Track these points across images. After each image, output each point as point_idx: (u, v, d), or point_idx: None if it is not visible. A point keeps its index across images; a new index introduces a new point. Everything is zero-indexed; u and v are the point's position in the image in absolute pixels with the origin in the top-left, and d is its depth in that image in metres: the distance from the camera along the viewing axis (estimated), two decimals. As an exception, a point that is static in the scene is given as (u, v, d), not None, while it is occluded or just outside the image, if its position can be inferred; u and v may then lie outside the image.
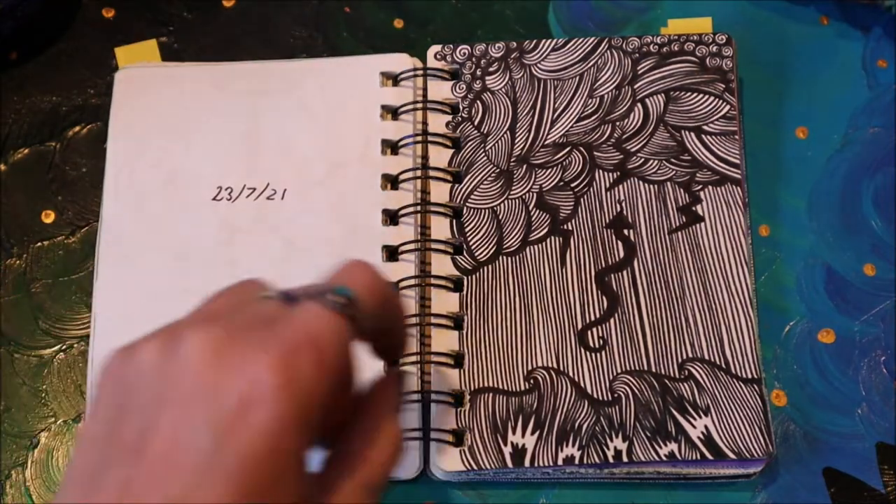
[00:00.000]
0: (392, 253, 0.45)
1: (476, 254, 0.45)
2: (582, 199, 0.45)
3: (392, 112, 0.48)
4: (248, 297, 0.32)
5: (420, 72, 0.48)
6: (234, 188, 0.47)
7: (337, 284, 0.31)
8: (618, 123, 0.46)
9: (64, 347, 0.46)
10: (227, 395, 0.27)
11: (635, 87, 0.47)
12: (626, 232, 0.45)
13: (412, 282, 0.44)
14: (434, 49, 0.48)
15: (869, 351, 0.45)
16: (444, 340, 0.44)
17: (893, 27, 0.50)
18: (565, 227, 0.45)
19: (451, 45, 0.48)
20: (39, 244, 0.48)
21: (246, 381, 0.27)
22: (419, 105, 0.47)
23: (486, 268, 0.44)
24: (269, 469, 0.27)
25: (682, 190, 0.45)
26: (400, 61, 0.48)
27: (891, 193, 0.47)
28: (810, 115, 0.48)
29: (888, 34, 0.50)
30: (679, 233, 0.45)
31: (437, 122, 0.47)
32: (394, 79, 0.48)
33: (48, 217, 0.48)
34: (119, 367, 0.30)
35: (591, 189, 0.46)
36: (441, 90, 0.47)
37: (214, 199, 0.46)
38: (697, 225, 0.45)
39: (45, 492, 0.43)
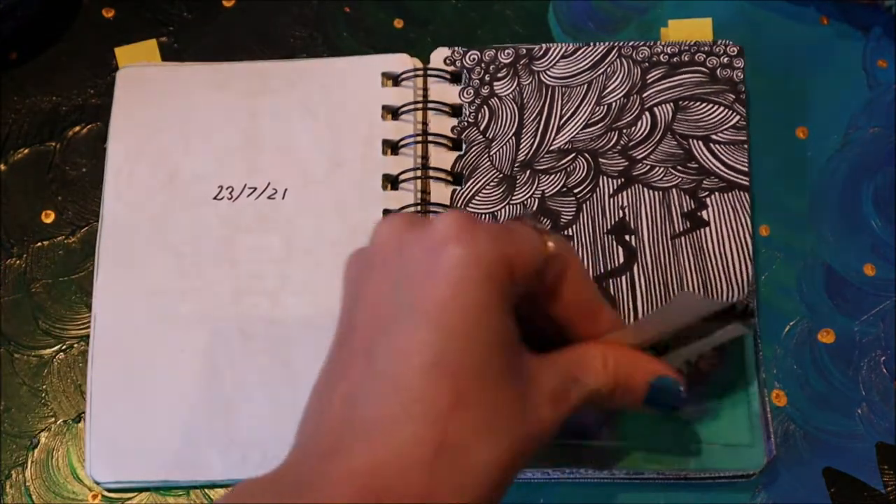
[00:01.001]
0: (392, 253, 0.45)
1: None
2: (584, 205, 0.45)
3: (392, 112, 0.48)
4: None
5: (421, 72, 0.48)
6: (234, 188, 0.47)
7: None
8: (624, 131, 0.46)
9: (64, 347, 0.46)
10: (416, 250, 0.31)
11: (644, 95, 0.47)
12: (627, 237, 0.45)
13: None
14: (443, 53, 0.48)
15: (869, 351, 0.45)
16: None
17: (893, 27, 0.50)
18: (566, 232, 0.45)
19: (461, 50, 0.48)
20: (39, 244, 0.48)
21: (432, 235, 0.31)
22: (419, 105, 0.47)
23: None
24: (463, 308, 0.30)
25: (687, 196, 0.45)
26: (401, 61, 0.48)
27: (891, 193, 0.47)
28: (810, 115, 0.48)
29: (888, 34, 0.50)
30: (682, 238, 0.44)
31: (442, 125, 0.47)
32: (394, 79, 0.48)
33: (48, 217, 0.48)
34: (350, 266, 0.34)
35: (595, 195, 0.45)
36: (447, 93, 0.47)
37: (215, 198, 0.46)
38: (702, 230, 0.44)
39: (45, 492, 0.43)
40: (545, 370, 0.33)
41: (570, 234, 0.45)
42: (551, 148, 0.46)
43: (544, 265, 0.33)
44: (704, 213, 0.45)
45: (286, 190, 0.46)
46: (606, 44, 0.48)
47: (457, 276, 0.30)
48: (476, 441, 0.29)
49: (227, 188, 0.47)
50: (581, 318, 0.35)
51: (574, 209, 0.45)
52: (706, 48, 0.47)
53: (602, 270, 0.44)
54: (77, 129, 0.49)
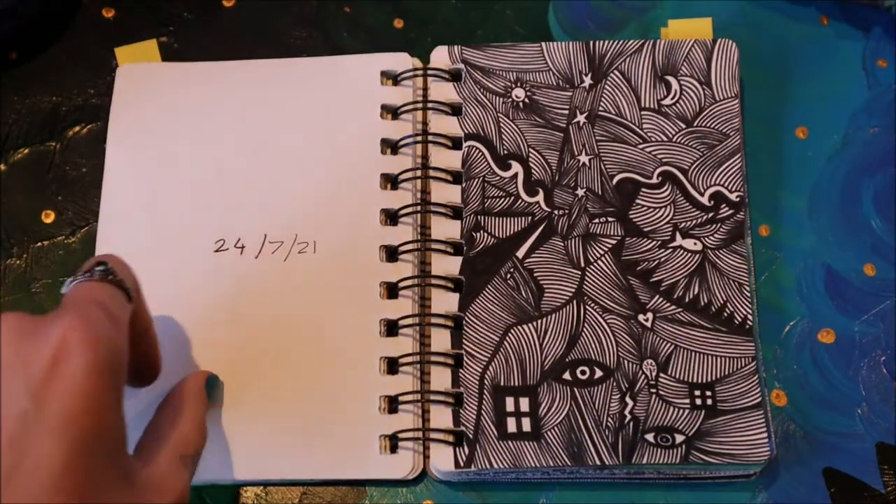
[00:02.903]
0: (391, 253, 0.45)
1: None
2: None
3: (392, 112, 0.48)
4: None
5: (420, 72, 0.48)
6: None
7: (93, 261, 0.37)
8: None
9: (64, 347, 0.46)
10: (37, 359, 0.31)
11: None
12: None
13: (412, 282, 0.44)
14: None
15: (869, 351, 0.45)
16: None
17: (893, 27, 0.50)
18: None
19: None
20: (39, 244, 0.48)
21: (52, 343, 0.31)
22: (419, 105, 0.47)
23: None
24: (91, 415, 0.30)
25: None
26: (400, 60, 0.48)
27: (891, 193, 0.47)
28: (810, 115, 0.49)
29: (888, 34, 0.50)
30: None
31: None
32: (394, 78, 0.48)
33: (48, 217, 0.48)
34: None
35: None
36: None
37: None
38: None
39: (45, 492, 0.43)
40: (157, 465, 0.35)
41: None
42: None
43: (124, 297, 0.36)
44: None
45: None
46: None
47: (86, 388, 0.31)
48: None
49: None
50: (141, 325, 0.38)
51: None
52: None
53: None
54: (77, 129, 0.49)
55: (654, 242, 0.45)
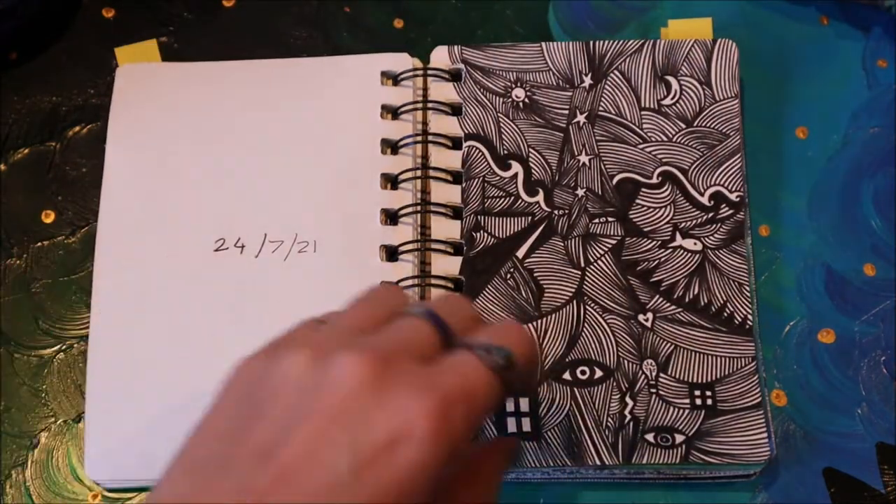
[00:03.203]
0: (391, 253, 0.45)
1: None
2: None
3: (392, 112, 0.48)
4: (391, 309, 0.32)
5: (420, 72, 0.48)
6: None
7: (498, 344, 0.30)
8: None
9: (64, 347, 0.46)
10: (378, 426, 0.27)
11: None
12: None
13: (412, 282, 0.44)
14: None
15: (869, 351, 0.45)
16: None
17: (893, 27, 0.50)
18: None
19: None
20: (39, 244, 0.48)
21: (401, 419, 0.27)
22: (419, 105, 0.47)
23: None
24: None
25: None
26: (400, 61, 0.48)
27: (891, 193, 0.47)
28: (810, 115, 0.49)
29: (888, 34, 0.50)
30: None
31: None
32: (394, 78, 0.48)
33: (48, 217, 0.48)
34: (259, 370, 0.29)
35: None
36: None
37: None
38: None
39: (45, 492, 0.43)
40: None
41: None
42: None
43: (502, 397, 0.30)
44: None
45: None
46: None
47: (408, 484, 0.26)
48: None
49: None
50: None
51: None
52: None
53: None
54: (77, 129, 0.49)
55: (654, 242, 0.45)
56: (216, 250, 0.46)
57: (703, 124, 0.46)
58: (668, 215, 0.45)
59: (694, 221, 0.45)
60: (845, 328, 0.45)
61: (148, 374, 0.44)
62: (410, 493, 0.27)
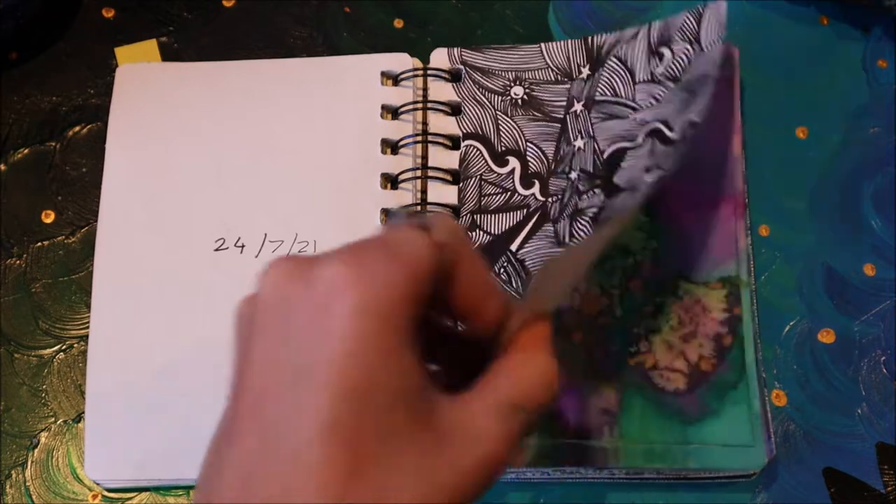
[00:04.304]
0: (392, 253, 0.45)
1: None
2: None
3: (392, 112, 0.48)
4: None
5: (420, 72, 0.48)
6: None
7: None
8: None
9: (64, 347, 0.46)
10: (304, 307, 0.28)
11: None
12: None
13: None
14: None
15: (869, 351, 0.45)
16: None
17: (893, 27, 0.50)
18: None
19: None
20: (39, 244, 0.48)
21: (318, 288, 0.28)
22: (419, 105, 0.47)
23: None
24: (357, 360, 0.27)
25: None
26: (400, 61, 0.48)
27: (891, 193, 0.47)
28: (810, 115, 0.48)
29: (888, 34, 0.50)
30: None
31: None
32: (394, 78, 0.48)
33: (48, 217, 0.48)
34: (239, 319, 0.31)
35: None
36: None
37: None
38: None
39: (45, 492, 0.43)
40: (469, 410, 0.29)
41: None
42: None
43: (437, 265, 0.30)
44: None
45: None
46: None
47: (352, 331, 0.27)
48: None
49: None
50: (478, 304, 0.32)
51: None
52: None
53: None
54: (77, 129, 0.49)
55: (629, 193, 0.43)
56: (216, 250, 0.46)
57: (690, 74, 0.45)
58: (643, 163, 0.43)
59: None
60: (845, 328, 0.45)
61: (148, 374, 0.44)
62: (362, 332, 0.27)
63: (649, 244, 0.44)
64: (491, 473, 0.29)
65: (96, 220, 0.47)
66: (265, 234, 0.46)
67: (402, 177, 0.46)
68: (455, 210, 0.46)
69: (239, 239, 0.46)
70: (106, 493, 0.43)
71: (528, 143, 0.46)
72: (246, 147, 0.47)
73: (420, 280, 0.29)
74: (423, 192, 0.46)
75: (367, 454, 0.27)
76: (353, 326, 0.27)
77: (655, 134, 0.44)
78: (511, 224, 0.45)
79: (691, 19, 0.45)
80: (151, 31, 0.51)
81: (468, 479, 0.28)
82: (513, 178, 0.46)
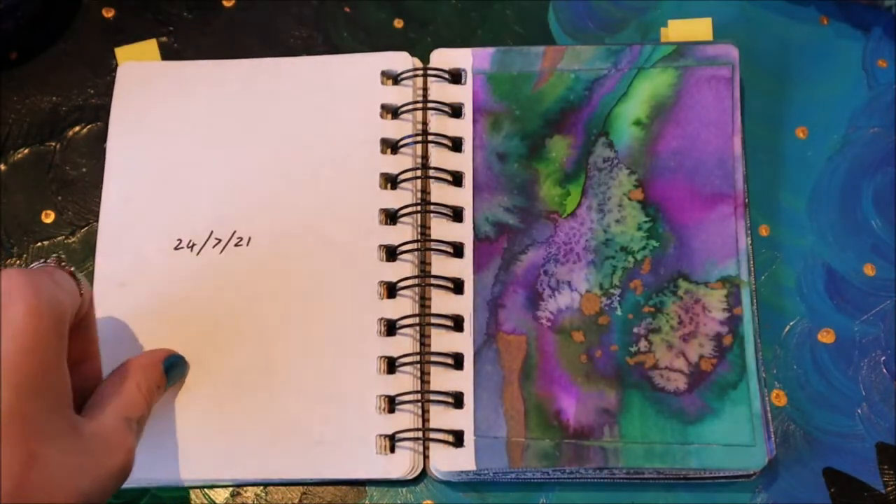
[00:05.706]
0: (391, 253, 0.45)
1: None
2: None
3: (392, 111, 0.48)
4: None
5: (420, 72, 0.48)
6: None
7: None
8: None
9: (64, 347, 0.46)
10: None
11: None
12: None
13: (412, 282, 0.44)
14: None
15: (869, 351, 0.45)
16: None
17: (893, 27, 0.50)
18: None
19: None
20: (39, 244, 0.48)
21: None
22: (419, 105, 0.47)
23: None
24: (33, 356, 0.31)
25: None
26: (401, 60, 0.48)
27: (891, 193, 0.47)
28: (810, 115, 0.49)
29: (888, 34, 0.50)
30: None
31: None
32: (394, 78, 0.48)
33: (48, 217, 0.48)
34: None
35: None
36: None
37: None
38: None
39: (44, 492, 0.43)
40: (103, 424, 0.35)
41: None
42: None
43: (78, 307, 0.35)
44: None
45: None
46: None
47: (28, 329, 0.31)
48: (51, 500, 0.31)
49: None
50: (87, 346, 0.38)
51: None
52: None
53: None
54: (77, 129, 0.49)
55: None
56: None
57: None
58: None
59: None
60: (845, 328, 0.45)
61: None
62: (37, 330, 0.32)
63: (649, 244, 0.44)
64: (126, 475, 0.35)
65: (96, 220, 0.47)
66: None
67: (401, 177, 0.46)
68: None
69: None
70: (106, 493, 0.43)
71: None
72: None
73: (73, 308, 0.34)
74: (423, 192, 0.46)
75: (39, 447, 0.31)
76: (29, 324, 0.31)
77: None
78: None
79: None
80: (151, 31, 0.51)
81: (112, 481, 0.34)
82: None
